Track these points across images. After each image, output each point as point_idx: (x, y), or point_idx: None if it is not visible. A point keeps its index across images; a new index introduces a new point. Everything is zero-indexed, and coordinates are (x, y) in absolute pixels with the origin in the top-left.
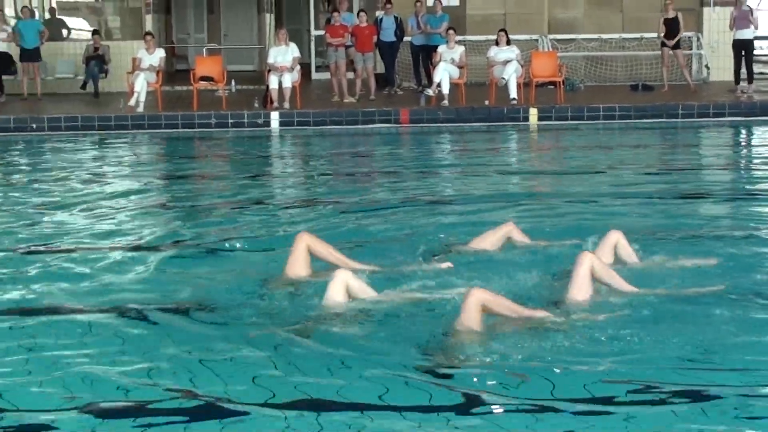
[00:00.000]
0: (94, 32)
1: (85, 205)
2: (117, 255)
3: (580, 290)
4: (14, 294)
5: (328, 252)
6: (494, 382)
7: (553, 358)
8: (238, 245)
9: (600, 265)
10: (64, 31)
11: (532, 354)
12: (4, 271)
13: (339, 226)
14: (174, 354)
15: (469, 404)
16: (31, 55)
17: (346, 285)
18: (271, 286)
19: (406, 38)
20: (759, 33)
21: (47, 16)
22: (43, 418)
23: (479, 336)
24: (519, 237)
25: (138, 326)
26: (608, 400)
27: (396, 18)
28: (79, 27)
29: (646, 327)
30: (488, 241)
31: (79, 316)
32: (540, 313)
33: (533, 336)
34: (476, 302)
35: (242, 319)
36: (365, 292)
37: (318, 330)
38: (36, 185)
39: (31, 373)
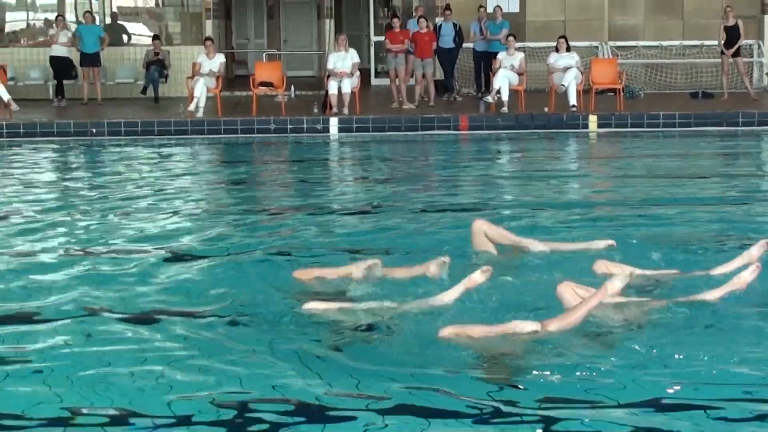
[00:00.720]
0: (155, 37)
1: (141, 209)
2: (167, 259)
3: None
4: (60, 295)
5: (323, 273)
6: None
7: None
8: (291, 253)
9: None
10: (125, 37)
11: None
12: (59, 272)
13: (391, 231)
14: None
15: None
16: (91, 59)
17: (318, 308)
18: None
19: (466, 45)
20: None
21: (108, 21)
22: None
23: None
24: (493, 230)
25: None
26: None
27: (455, 24)
28: (140, 32)
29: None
30: (487, 246)
31: (125, 319)
32: (512, 326)
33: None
34: (450, 336)
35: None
36: (336, 306)
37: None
38: (95, 189)
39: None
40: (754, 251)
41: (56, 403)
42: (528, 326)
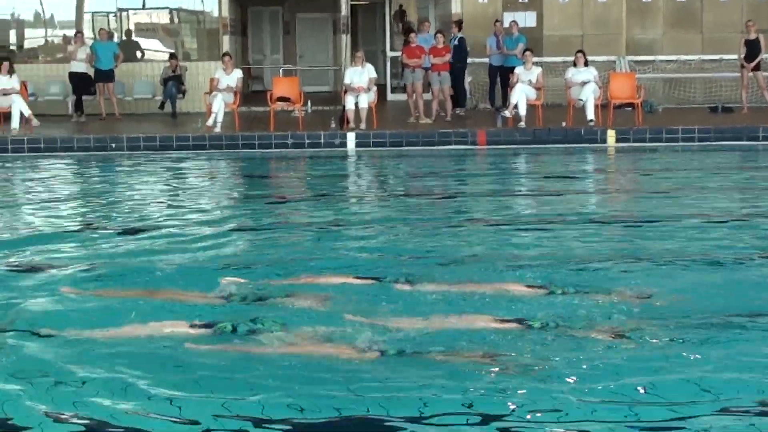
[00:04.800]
0: (171, 56)
1: (162, 224)
2: (183, 272)
3: None
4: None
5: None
6: None
7: None
8: (310, 267)
9: None
10: (138, 53)
11: None
12: (71, 288)
13: (406, 246)
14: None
15: None
16: (105, 75)
17: None
18: None
19: (481, 60)
20: None
21: (125, 37)
22: None
23: None
24: None
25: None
26: None
27: (461, 39)
28: (156, 48)
29: None
30: None
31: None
32: None
33: None
34: None
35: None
36: None
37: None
38: (114, 203)
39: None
40: None
41: None
42: None
